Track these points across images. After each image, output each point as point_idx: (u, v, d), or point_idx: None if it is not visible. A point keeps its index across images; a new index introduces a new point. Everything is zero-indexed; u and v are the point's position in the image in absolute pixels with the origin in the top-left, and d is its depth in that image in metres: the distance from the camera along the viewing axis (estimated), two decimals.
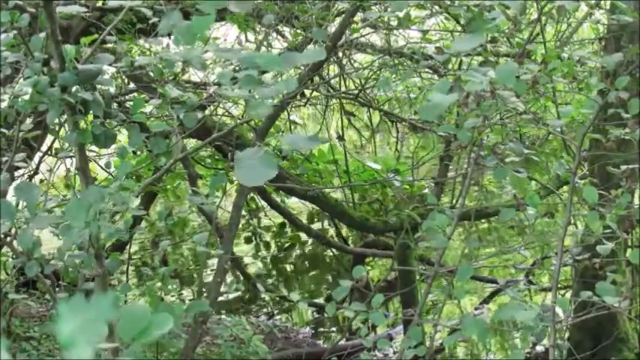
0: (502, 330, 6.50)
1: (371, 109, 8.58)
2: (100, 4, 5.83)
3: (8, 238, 2.97)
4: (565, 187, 5.81)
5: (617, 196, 3.19)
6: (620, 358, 5.80)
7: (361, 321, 3.45)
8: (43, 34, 2.73)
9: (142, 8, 3.03)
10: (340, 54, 6.61)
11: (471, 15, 3.02)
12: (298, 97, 7.29)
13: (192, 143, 7.15)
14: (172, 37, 2.41)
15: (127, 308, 1.21)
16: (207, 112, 6.49)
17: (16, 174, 5.38)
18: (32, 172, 6.21)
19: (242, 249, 11.03)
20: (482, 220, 9.01)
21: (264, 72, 2.36)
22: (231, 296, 9.12)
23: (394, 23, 6.13)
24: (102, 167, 7.26)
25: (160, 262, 9.84)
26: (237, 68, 3.28)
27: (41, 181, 6.95)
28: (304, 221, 9.62)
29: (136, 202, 2.73)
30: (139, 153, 6.98)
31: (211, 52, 2.40)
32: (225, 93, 2.27)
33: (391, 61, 6.79)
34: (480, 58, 5.74)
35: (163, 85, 3.02)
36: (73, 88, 2.61)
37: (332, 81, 7.64)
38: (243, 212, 7.77)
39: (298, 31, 6.28)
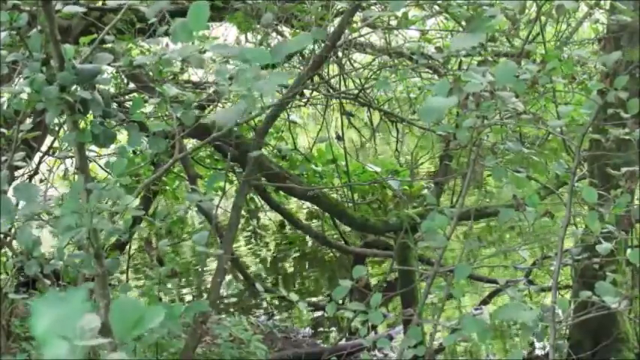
0: (502, 330, 6.49)
1: (371, 109, 8.57)
2: (99, 4, 5.82)
3: (8, 239, 2.97)
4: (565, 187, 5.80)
5: (617, 196, 3.18)
6: (620, 358, 5.79)
7: (360, 322, 3.44)
8: (39, 27, 2.72)
9: (141, 8, 3.02)
10: (340, 54, 6.61)
11: (470, 14, 3.02)
12: (298, 97, 7.28)
13: (192, 143, 7.15)
14: (170, 36, 2.41)
15: (118, 302, 1.21)
16: (206, 111, 6.48)
17: (16, 174, 5.37)
18: (32, 172, 6.21)
19: (241, 248, 11.02)
20: (482, 220, 8.99)
21: (264, 68, 2.36)
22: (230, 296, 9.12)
23: (393, 23, 6.13)
24: (102, 167, 7.26)
25: (156, 262, 9.81)
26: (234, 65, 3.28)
27: (41, 181, 6.94)
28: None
29: (136, 202, 2.73)
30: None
31: (209, 51, 2.39)
32: (222, 89, 2.27)
33: (391, 61, 6.78)
34: (480, 58, 5.74)
35: (162, 84, 3.02)
36: (72, 88, 2.60)
37: (332, 81, 7.63)
38: (243, 212, 7.77)
39: (297, 30, 6.27)
